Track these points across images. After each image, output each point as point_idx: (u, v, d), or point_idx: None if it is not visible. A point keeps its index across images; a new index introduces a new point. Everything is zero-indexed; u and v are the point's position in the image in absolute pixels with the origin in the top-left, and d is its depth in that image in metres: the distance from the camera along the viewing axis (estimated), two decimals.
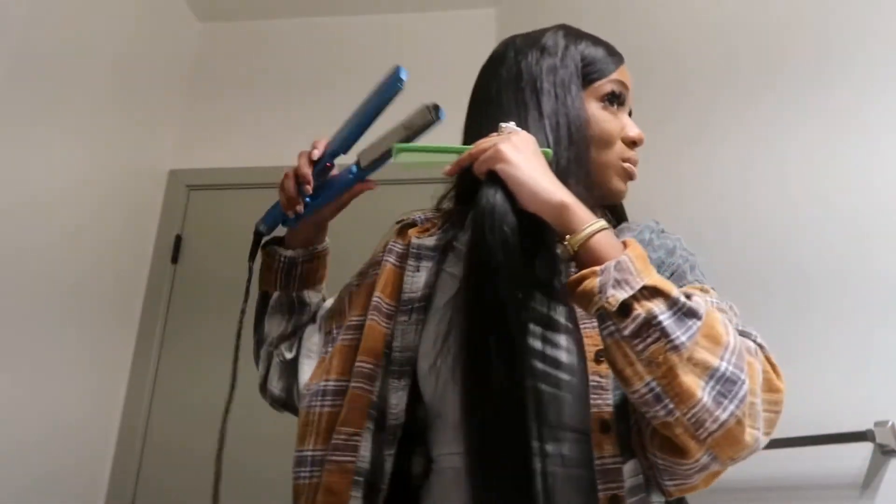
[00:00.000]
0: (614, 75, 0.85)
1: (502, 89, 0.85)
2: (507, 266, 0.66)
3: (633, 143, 0.85)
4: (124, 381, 2.13)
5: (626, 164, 0.85)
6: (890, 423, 1.06)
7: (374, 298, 0.85)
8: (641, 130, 0.87)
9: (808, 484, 1.18)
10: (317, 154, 0.85)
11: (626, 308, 0.59)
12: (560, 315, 0.73)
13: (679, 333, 0.59)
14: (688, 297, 0.62)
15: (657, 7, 1.85)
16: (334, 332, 0.88)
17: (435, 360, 0.76)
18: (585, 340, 0.72)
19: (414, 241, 0.89)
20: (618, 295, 0.59)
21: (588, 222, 0.65)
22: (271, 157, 2.40)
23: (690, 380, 0.58)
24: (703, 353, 0.59)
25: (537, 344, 0.70)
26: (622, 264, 0.61)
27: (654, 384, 0.59)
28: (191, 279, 2.26)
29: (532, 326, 0.69)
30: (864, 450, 1.10)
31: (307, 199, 0.85)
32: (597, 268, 0.62)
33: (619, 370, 0.61)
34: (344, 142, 0.85)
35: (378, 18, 2.59)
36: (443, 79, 2.54)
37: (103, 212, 2.04)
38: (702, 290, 0.75)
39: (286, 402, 0.96)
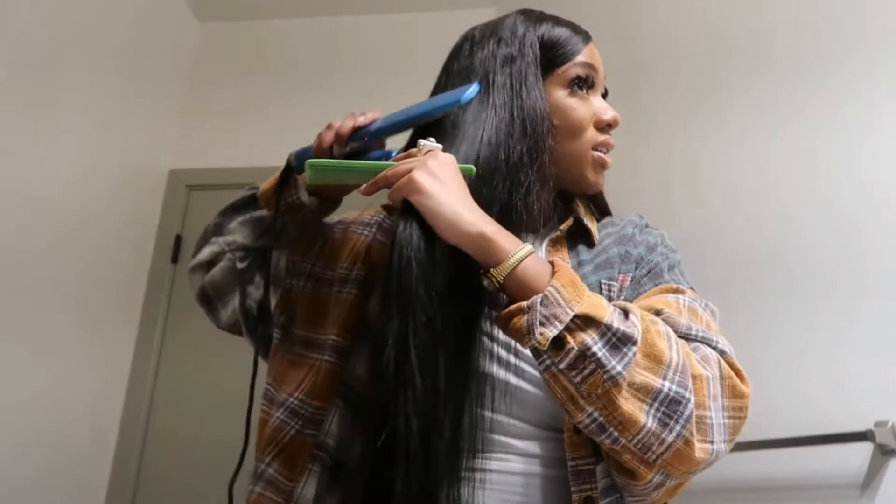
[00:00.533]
0: (580, 57, 0.80)
1: (450, 86, 0.81)
2: (422, 300, 0.61)
3: (607, 127, 0.80)
4: (125, 379, 2.13)
5: (597, 154, 0.80)
6: (890, 423, 1.06)
7: (339, 267, 0.82)
8: (616, 112, 0.81)
9: (808, 484, 1.18)
10: (362, 121, 0.79)
11: (558, 342, 0.58)
12: None
13: (615, 362, 0.57)
14: (625, 314, 0.61)
15: (656, 6, 1.85)
16: (316, 270, 0.84)
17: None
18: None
19: (383, 215, 0.87)
20: (547, 332, 0.57)
21: (511, 252, 0.61)
22: (271, 157, 2.39)
23: (632, 406, 0.57)
24: (644, 375, 0.58)
25: (503, 352, 0.69)
26: (549, 297, 0.59)
27: (596, 414, 0.58)
28: None
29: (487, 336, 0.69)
30: (864, 450, 1.10)
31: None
32: (523, 304, 0.59)
33: (561, 402, 0.60)
34: (388, 128, 0.80)
35: (378, 18, 2.59)
36: None
37: (103, 211, 2.04)
38: (676, 290, 0.72)
39: (209, 300, 0.95)
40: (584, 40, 0.81)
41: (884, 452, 1.07)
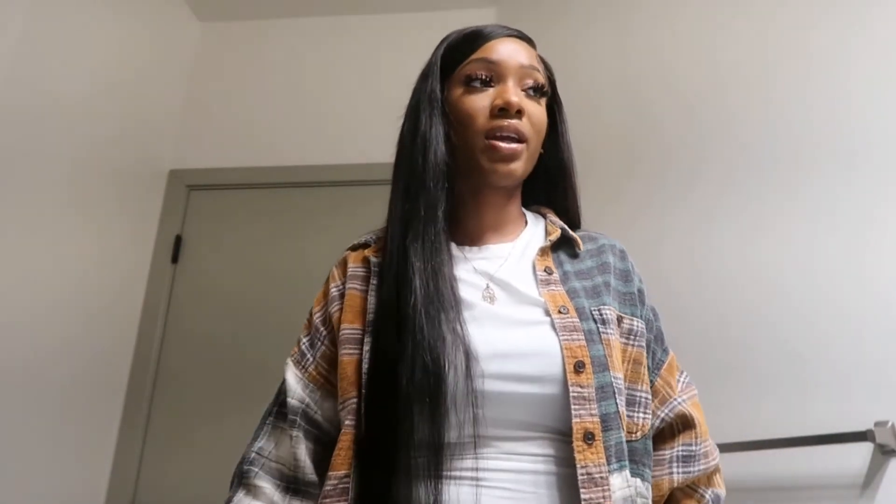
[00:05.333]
0: (474, 55, 0.83)
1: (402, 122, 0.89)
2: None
3: (501, 111, 0.79)
4: (125, 380, 2.12)
5: (489, 141, 0.79)
6: (890, 423, 1.06)
7: (343, 331, 0.80)
8: (514, 97, 0.80)
9: (808, 484, 1.18)
10: None
11: None
12: (545, 324, 0.74)
13: None
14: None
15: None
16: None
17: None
18: (565, 352, 0.72)
19: (373, 259, 0.84)
20: None
21: None
22: (271, 157, 2.40)
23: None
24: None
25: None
26: None
27: None
28: (191, 279, 2.26)
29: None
30: (864, 450, 1.10)
31: None
32: None
33: None
34: None
35: (378, 18, 2.59)
36: None
37: (103, 211, 2.04)
38: (675, 366, 0.86)
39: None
40: (485, 38, 0.84)
41: (884, 452, 1.08)
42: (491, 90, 0.81)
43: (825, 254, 1.28)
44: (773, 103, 1.48)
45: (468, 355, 0.70)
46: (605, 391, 0.72)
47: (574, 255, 0.85)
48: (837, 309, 1.23)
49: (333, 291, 0.85)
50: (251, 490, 0.78)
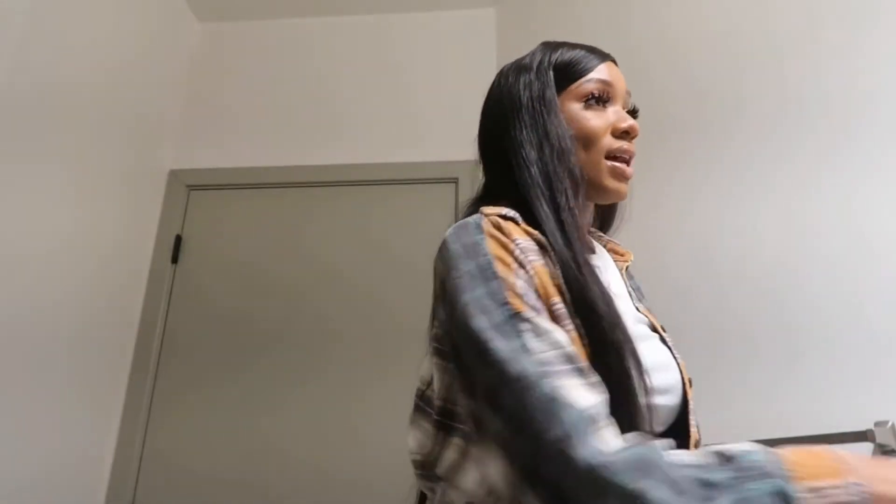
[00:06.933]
0: (593, 74, 0.85)
1: (499, 120, 0.86)
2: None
3: (624, 134, 0.84)
4: (124, 380, 2.13)
5: (613, 163, 0.83)
6: (890, 423, 1.06)
7: (553, 303, 0.69)
8: (634, 121, 0.85)
9: None
10: None
11: None
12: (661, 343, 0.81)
13: None
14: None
15: (660, 5, 1.85)
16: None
17: None
18: (681, 365, 0.79)
19: (542, 239, 0.75)
20: None
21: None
22: (271, 157, 2.40)
23: None
24: None
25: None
26: None
27: None
28: (191, 279, 2.26)
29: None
30: (864, 450, 1.10)
31: None
32: None
33: None
34: None
35: (378, 18, 2.59)
36: (443, 78, 2.54)
37: (103, 212, 2.04)
38: None
39: None
40: (599, 59, 0.87)
41: (884, 452, 1.07)
42: (608, 111, 0.85)
43: (829, 245, 1.28)
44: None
45: (639, 363, 0.69)
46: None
47: (630, 276, 0.95)
48: (838, 309, 1.23)
49: (516, 250, 0.71)
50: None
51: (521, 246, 0.71)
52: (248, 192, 2.37)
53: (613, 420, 0.60)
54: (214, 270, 2.25)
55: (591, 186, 0.83)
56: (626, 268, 0.93)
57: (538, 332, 0.64)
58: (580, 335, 0.67)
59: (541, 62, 0.87)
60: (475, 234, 0.72)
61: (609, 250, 0.95)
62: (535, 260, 0.71)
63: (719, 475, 0.55)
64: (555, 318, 0.67)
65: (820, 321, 1.24)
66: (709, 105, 1.61)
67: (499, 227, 0.73)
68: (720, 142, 1.55)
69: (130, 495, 2.01)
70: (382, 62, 2.50)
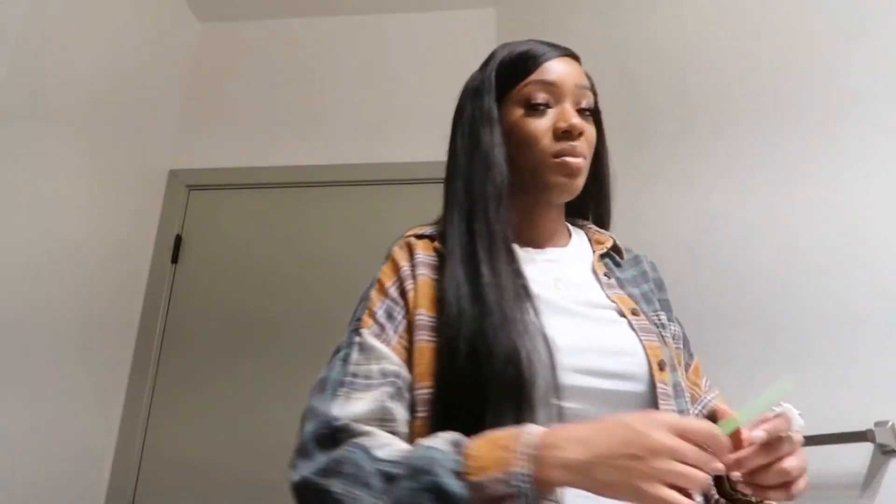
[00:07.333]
0: (533, 76, 0.84)
1: (452, 128, 0.90)
2: None
3: (565, 134, 0.82)
4: (124, 380, 2.13)
5: (559, 159, 0.82)
6: (890, 423, 1.06)
7: (419, 316, 0.77)
8: (577, 120, 0.83)
9: (808, 484, 1.18)
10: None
11: None
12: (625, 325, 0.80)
13: None
14: None
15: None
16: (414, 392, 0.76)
17: None
18: (648, 351, 0.77)
19: (443, 250, 0.83)
20: None
21: None
22: (271, 157, 2.40)
23: None
24: None
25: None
26: None
27: None
28: (191, 279, 2.26)
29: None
30: (864, 450, 1.10)
31: None
32: None
33: None
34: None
35: (378, 18, 2.59)
36: (443, 78, 2.54)
37: (103, 212, 2.04)
38: (701, 371, 0.90)
39: None
40: (544, 57, 0.86)
41: (884, 452, 1.07)
42: (551, 111, 0.84)
43: (821, 246, 1.28)
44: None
45: (550, 348, 0.71)
46: (677, 390, 0.77)
47: (617, 263, 0.92)
48: (838, 309, 1.22)
49: (405, 269, 0.82)
50: None
51: (417, 261, 0.82)
52: (248, 192, 2.37)
53: (379, 423, 0.69)
54: (214, 270, 2.25)
55: (540, 186, 0.84)
56: (604, 254, 0.91)
57: (363, 348, 0.75)
58: (436, 341, 0.74)
59: (486, 67, 0.89)
60: (384, 258, 0.86)
61: (594, 241, 0.94)
62: (424, 274, 0.80)
63: (396, 469, 0.61)
64: (415, 327, 0.76)
65: (819, 321, 1.24)
66: (696, 100, 1.60)
67: (406, 247, 0.85)
68: (707, 141, 1.55)
69: (130, 494, 2.01)
70: (383, 62, 2.50)
